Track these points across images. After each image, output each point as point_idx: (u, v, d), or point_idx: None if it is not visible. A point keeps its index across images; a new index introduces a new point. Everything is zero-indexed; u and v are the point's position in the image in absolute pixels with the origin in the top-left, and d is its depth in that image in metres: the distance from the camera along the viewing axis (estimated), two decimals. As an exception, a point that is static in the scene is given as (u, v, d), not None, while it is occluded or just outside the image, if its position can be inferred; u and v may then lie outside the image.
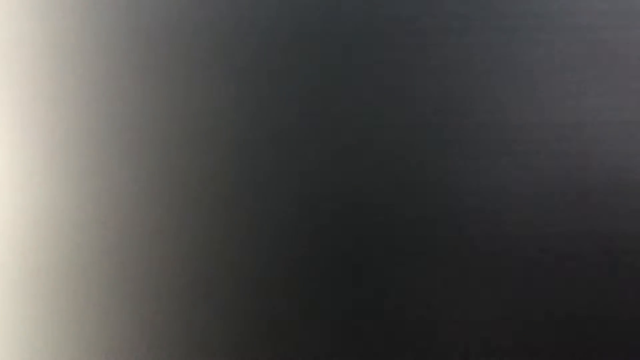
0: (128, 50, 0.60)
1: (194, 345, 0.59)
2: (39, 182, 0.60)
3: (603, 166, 0.58)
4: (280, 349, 0.59)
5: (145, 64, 0.60)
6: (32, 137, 0.60)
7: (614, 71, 0.59)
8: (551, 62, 0.59)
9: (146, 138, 0.60)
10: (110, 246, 0.59)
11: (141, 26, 0.60)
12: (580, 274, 0.58)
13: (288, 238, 0.59)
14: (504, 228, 0.58)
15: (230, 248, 0.59)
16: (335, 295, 0.59)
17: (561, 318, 0.58)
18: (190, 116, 0.60)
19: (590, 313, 0.58)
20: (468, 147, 0.58)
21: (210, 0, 0.60)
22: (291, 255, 0.59)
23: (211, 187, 0.59)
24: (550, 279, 0.58)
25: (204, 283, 0.59)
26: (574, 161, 0.58)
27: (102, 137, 0.60)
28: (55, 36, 0.61)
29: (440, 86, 0.59)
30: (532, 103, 0.59)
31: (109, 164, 0.60)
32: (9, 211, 0.60)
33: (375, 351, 0.58)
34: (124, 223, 0.59)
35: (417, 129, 0.59)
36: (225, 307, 0.59)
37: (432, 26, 0.59)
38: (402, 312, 0.58)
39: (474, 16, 0.59)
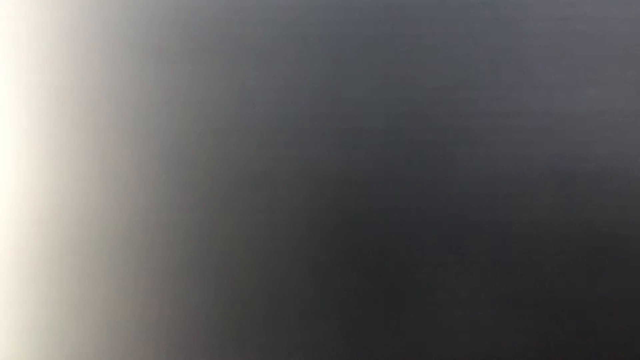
0: (132, 45, 0.60)
1: (194, 343, 0.59)
2: (41, 178, 0.60)
3: (599, 154, 0.58)
4: (280, 349, 0.59)
5: (148, 61, 0.60)
6: (35, 132, 0.60)
7: (608, 61, 0.59)
8: (545, 52, 0.59)
9: (149, 133, 0.60)
10: (111, 243, 0.60)
11: (144, 24, 0.60)
12: (577, 263, 0.58)
13: (288, 235, 0.59)
14: (501, 215, 0.58)
15: (232, 245, 0.59)
16: (337, 292, 0.59)
17: (557, 305, 0.58)
18: (192, 112, 0.60)
19: (583, 301, 0.58)
20: (461, 136, 0.59)
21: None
22: (291, 253, 0.59)
23: (212, 184, 0.59)
24: (546, 268, 0.58)
25: (205, 280, 0.59)
26: (567, 149, 0.58)
27: (105, 130, 0.60)
28: (57, 31, 0.61)
29: (435, 76, 0.59)
30: (527, 92, 0.59)
31: (111, 159, 0.60)
32: (12, 208, 0.60)
33: (375, 349, 0.59)
34: (125, 219, 0.59)
35: (414, 117, 0.59)
36: (227, 305, 0.59)
37: (426, 16, 0.59)
38: (402, 301, 0.58)
39: (468, 6, 0.59)
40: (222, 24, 0.60)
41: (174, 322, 0.59)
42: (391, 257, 0.59)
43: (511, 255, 0.58)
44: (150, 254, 0.59)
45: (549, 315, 0.58)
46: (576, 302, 0.58)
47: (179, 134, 0.60)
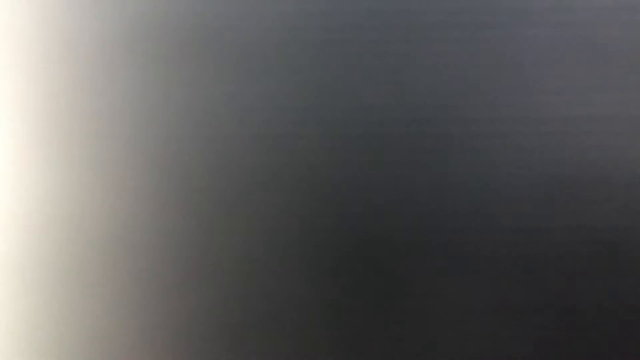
0: (128, 52, 0.60)
1: (192, 347, 0.59)
2: (38, 184, 0.60)
3: (597, 160, 0.58)
4: (278, 353, 0.59)
5: (145, 68, 0.60)
6: (31, 138, 0.60)
7: (606, 67, 0.59)
8: (543, 58, 0.59)
9: (146, 135, 0.60)
10: (109, 248, 0.60)
11: (140, 31, 0.61)
12: (576, 269, 0.58)
13: (285, 241, 0.59)
14: (500, 221, 0.58)
15: (231, 246, 0.59)
16: (334, 297, 0.59)
17: (556, 311, 0.58)
18: (191, 113, 0.60)
19: (582, 307, 0.58)
20: (460, 141, 0.59)
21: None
22: (288, 259, 0.59)
23: (211, 186, 0.60)
24: (546, 274, 0.58)
25: (204, 281, 0.59)
26: (566, 155, 0.58)
27: (101, 137, 0.60)
28: (54, 33, 0.61)
29: (434, 82, 0.59)
30: (525, 98, 0.59)
31: (108, 161, 0.60)
32: (10, 214, 0.60)
33: (373, 355, 0.59)
34: (122, 224, 0.60)
35: (412, 123, 0.59)
36: (226, 305, 0.59)
37: (425, 22, 0.59)
38: (401, 307, 0.58)
39: (467, 12, 0.59)
40: (219, 31, 0.60)
41: (172, 326, 0.59)
42: (389, 263, 0.59)
43: (510, 262, 0.58)
44: (149, 259, 0.59)
45: (547, 322, 0.58)
46: (575, 309, 0.58)
47: (176, 140, 0.60)
